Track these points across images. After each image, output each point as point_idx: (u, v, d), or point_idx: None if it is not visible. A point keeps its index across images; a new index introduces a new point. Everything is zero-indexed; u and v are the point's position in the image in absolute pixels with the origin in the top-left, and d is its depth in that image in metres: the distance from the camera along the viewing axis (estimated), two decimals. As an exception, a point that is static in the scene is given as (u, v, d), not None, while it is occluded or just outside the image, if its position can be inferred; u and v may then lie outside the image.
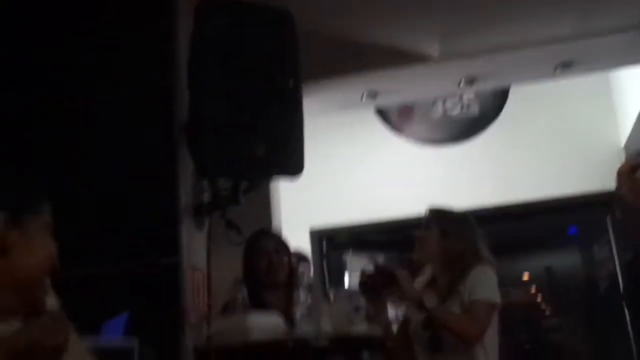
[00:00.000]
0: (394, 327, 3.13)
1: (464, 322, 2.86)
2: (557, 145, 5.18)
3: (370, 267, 2.91)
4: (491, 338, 2.90)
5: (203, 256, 3.33)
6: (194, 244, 3.23)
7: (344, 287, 4.46)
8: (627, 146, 4.83)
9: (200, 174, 3.26)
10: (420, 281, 3.07)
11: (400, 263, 3.16)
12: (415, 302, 2.87)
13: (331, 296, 2.79)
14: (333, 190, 5.34)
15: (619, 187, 1.34)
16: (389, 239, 5.16)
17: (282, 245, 3.13)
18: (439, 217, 3.07)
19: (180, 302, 2.91)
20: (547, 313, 7.50)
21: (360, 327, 2.65)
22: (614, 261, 5.07)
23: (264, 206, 3.85)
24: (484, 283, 2.88)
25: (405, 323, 3.05)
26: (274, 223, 3.94)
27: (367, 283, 2.91)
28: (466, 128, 5.47)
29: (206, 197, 3.34)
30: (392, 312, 3.44)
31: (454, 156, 5.38)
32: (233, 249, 3.23)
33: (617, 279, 5.00)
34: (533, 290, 7.68)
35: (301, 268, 2.71)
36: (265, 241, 3.13)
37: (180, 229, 3.02)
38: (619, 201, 1.49)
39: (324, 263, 5.21)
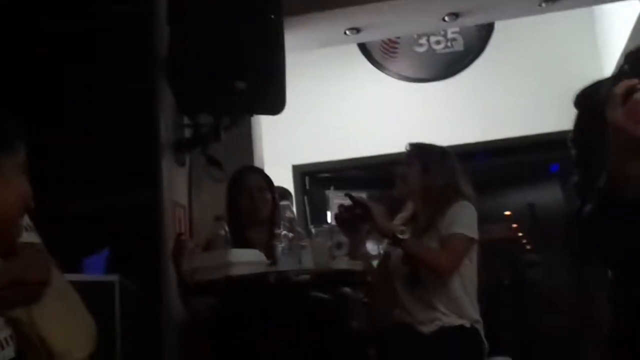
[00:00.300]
0: (375, 262, 3.18)
1: (437, 255, 2.89)
2: (540, 82, 5.19)
3: (347, 201, 2.94)
4: (470, 274, 2.95)
5: (184, 192, 3.36)
6: (175, 180, 3.24)
7: (326, 223, 4.50)
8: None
9: (180, 110, 3.25)
10: (401, 217, 3.11)
11: (383, 199, 3.18)
12: (388, 235, 2.90)
13: (313, 232, 2.82)
14: (316, 127, 5.34)
15: (611, 109, 1.29)
16: (372, 176, 5.19)
17: (265, 182, 3.14)
18: (420, 153, 3.09)
19: (161, 237, 2.94)
20: (528, 248, 7.62)
21: (341, 263, 2.69)
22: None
23: (246, 143, 3.85)
24: (462, 218, 2.91)
25: (385, 258, 3.10)
26: (256, 160, 3.95)
27: (344, 216, 2.94)
28: (451, 64, 5.45)
29: (187, 133, 3.34)
30: (375, 247, 3.50)
31: (437, 93, 5.38)
32: (215, 186, 3.25)
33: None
34: (514, 227, 7.77)
35: (283, 204, 2.72)
36: (248, 178, 3.14)
37: (160, 164, 3.03)
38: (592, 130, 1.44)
39: (306, 199, 5.25)
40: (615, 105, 1.28)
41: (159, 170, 3.03)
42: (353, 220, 2.93)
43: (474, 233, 2.91)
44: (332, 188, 3.10)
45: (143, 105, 3.04)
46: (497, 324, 6.50)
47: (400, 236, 2.83)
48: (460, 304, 2.88)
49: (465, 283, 2.92)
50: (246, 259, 2.49)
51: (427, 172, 3.03)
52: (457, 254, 2.90)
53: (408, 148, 3.14)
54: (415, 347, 2.75)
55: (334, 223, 2.99)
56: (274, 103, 3.14)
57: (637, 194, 1.29)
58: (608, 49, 4.94)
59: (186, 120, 3.32)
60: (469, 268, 2.95)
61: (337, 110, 5.40)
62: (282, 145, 5.05)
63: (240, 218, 3.03)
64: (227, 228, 2.70)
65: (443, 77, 5.44)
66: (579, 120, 1.58)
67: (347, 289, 2.91)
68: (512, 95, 5.23)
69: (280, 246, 2.50)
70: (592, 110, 1.47)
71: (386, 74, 5.51)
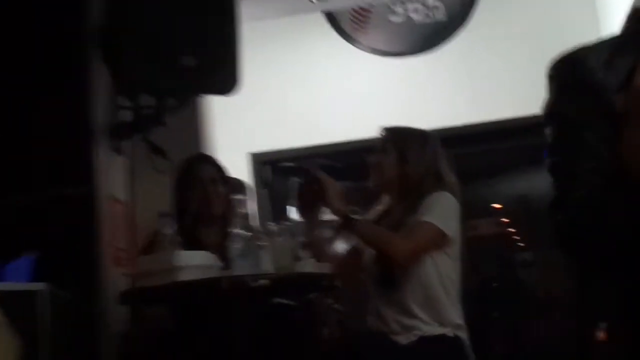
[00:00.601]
0: (330, 248, 3.17)
1: (394, 238, 2.89)
2: (534, 55, 5.20)
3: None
4: (449, 272, 2.96)
5: (123, 185, 3.32)
6: (112, 172, 3.21)
7: (289, 220, 4.49)
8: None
9: (118, 90, 3.21)
10: (375, 211, 3.11)
11: (356, 192, 3.18)
12: (340, 214, 2.90)
13: (273, 230, 2.81)
14: (277, 109, 5.31)
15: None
16: (343, 165, 5.18)
17: (220, 174, 3.13)
18: (396, 138, 3.09)
19: (96, 238, 2.90)
20: (520, 246, 7.69)
21: (307, 265, 2.68)
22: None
23: (194, 128, 3.82)
24: (436, 208, 2.91)
25: (354, 254, 3.09)
26: (207, 147, 3.93)
27: (300, 195, 2.94)
28: (430, 36, 5.46)
29: (126, 116, 3.30)
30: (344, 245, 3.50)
31: (415, 69, 5.37)
32: (159, 177, 3.22)
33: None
34: (504, 221, 7.84)
35: (238, 198, 2.71)
36: (200, 168, 3.12)
37: (93, 154, 2.99)
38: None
39: (266, 192, 5.22)
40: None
41: (93, 160, 2.99)
42: (310, 198, 2.94)
43: (447, 227, 2.90)
44: (297, 180, 3.09)
45: (73, 85, 2.99)
46: (485, 332, 6.57)
47: (352, 216, 2.83)
48: (439, 307, 2.89)
49: (444, 282, 2.93)
50: (196, 262, 2.47)
51: (404, 160, 3.03)
52: (419, 241, 2.89)
53: (382, 133, 3.14)
54: (391, 360, 2.73)
55: (298, 219, 2.99)
56: (227, 82, 3.12)
57: None
58: (608, 18, 4.98)
59: (125, 102, 3.28)
60: (448, 265, 2.95)
61: (302, 89, 5.37)
62: (237, 131, 5.02)
63: (190, 215, 3.01)
64: (174, 226, 2.67)
65: (422, 50, 5.44)
66: (559, 92, 1.53)
67: (313, 295, 2.91)
68: (502, 71, 5.25)
69: (235, 247, 2.49)
70: (578, 80, 1.44)
71: (357, 47, 5.50)
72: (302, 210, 2.97)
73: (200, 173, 3.09)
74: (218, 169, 3.16)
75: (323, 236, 3.05)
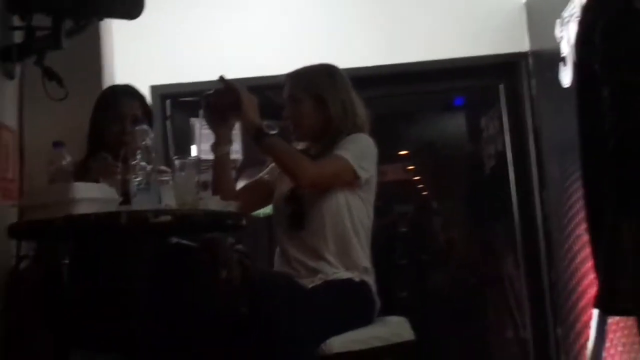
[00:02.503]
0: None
1: (304, 161, 2.89)
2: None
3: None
4: (361, 216, 2.97)
5: (13, 112, 3.19)
6: (1, 97, 3.07)
7: (191, 155, 4.44)
8: (528, 3, 4.95)
9: (8, 8, 3.05)
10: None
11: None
12: (252, 128, 2.86)
13: (176, 165, 2.74)
14: (182, 40, 5.15)
15: None
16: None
17: (143, 111, 3.07)
18: (308, 85, 3.04)
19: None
20: (425, 194, 7.83)
21: (211, 202, 2.63)
22: (503, 138, 5.28)
23: (93, 54, 3.68)
24: (351, 146, 2.91)
25: (258, 182, 3.08)
26: (106, 76, 3.80)
27: (212, 102, 2.90)
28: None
29: (17, 37, 3.15)
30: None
31: (325, 6, 5.28)
32: (53, 105, 3.10)
33: (505, 157, 5.24)
34: (410, 169, 7.95)
35: (140, 129, 2.61)
36: (123, 103, 3.06)
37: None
38: None
39: (168, 126, 5.12)
40: None
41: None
42: (222, 109, 2.90)
43: (360, 167, 2.90)
44: (200, 115, 3.03)
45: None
46: (391, 279, 6.68)
47: (266, 131, 2.81)
48: (349, 250, 2.90)
49: (355, 225, 2.93)
50: (92, 195, 2.37)
51: (322, 103, 3.00)
52: (328, 169, 2.91)
53: (289, 82, 3.08)
54: (293, 303, 2.70)
55: (202, 155, 2.94)
56: (130, 4, 3.01)
57: None
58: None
59: (17, 22, 3.12)
60: (360, 209, 2.96)
61: (209, 21, 5.23)
62: (139, 60, 4.86)
63: (103, 151, 2.94)
64: (68, 157, 2.56)
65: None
66: None
67: (216, 234, 2.86)
68: (418, 14, 5.20)
69: (136, 181, 2.41)
70: None
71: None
72: (212, 122, 2.93)
73: (122, 108, 3.03)
74: (142, 104, 3.11)
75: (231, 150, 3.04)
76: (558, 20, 4.16)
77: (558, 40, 4.18)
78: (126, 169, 2.48)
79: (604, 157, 2.42)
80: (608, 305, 2.46)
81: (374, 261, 3.03)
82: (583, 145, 2.60)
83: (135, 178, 2.41)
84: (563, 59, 4.10)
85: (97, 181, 2.52)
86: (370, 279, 2.96)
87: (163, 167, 2.63)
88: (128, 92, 3.23)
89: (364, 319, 2.91)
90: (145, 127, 2.63)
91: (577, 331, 4.20)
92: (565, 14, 4.03)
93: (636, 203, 2.33)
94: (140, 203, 2.38)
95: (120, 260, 2.60)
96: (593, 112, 2.50)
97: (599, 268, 2.51)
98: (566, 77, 4.04)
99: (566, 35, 4.04)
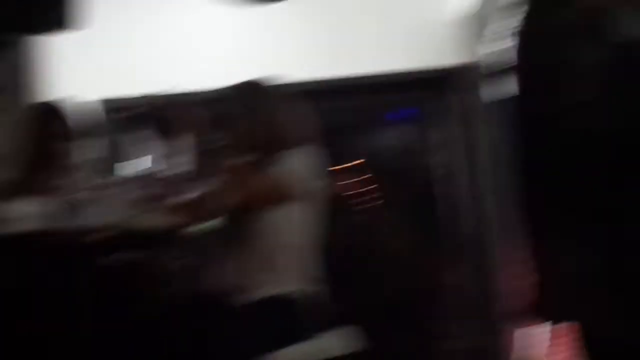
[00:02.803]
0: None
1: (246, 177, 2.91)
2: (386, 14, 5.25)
3: None
4: (301, 233, 2.98)
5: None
6: None
7: (136, 169, 4.42)
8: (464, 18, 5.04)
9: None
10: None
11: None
12: (201, 142, 2.88)
13: (119, 179, 2.74)
14: (125, 53, 5.14)
15: None
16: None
17: (65, 127, 3.06)
18: (246, 97, 3.07)
19: None
20: (369, 206, 7.85)
21: (154, 218, 2.63)
22: (444, 150, 5.39)
23: (22, 69, 3.61)
24: (292, 163, 2.95)
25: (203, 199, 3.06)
26: (47, 89, 3.76)
27: (160, 115, 2.90)
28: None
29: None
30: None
31: (267, 20, 5.31)
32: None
33: (449, 169, 5.35)
34: (356, 180, 7.97)
35: (81, 143, 2.61)
36: (52, 123, 3.03)
37: None
38: None
39: (113, 140, 5.08)
40: None
41: None
42: (171, 122, 2.89)
43: (300, 182, 2.94)
44: (147, 129, 3.03)
45: None
46: (336, 290, 6.68)
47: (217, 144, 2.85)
48: (285, 266, 2.91)
49: (293, 240, 2.95)
50: (28, 212, 2.38)
51: (260, 117, 3.03)
52: (264, 184, 2.91)
53: (229, 92, 3.12)
54: (220, 323, 2.72)
55: (146, 169, 2.93)
56: (54, 19, 2.97)
57: None
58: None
59: None
60: (297, 222, 2.96)
61: (155, 34, 5.23)
62: (86, 73, 4.82)
63: (29, 162, 2.92)
64: (4, 174, 2.56)
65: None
66: None
67: (150, 251, 2.85)
68: (347, 27, 5.24)
69: (73, 197, 2.41)
70: None
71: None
72: (160, 134, 2.92)
73: (51, 127, 3.01)
74: (63, 121, 3.08)
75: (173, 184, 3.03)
76: (487, 36, 4.28)
77: (487, 56, 4.30)
78: (59, 186, 2.48)
79: (543, 168, 2.47)
80: (549, 311, 2.51)
81: (319, 273, 3.04)
82: (521, 156, 2.65)
83: (73, 194, 2.42)
84: (493, 74, 4.21)
85: (30, 199, 2.51)
86: (305, 294, 2.94)
87: (100, 183, 2.63)
88: (55, 112, 3.20)
89: (295, 336, 2.87)
90: (81, 143, 2.63)
91: (519, 339, 4.25)
92: (495, 29, 4.14)
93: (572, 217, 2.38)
94: (79, 219, 2.39)
95: (51, 278, 2.57)
96: (531, 124, 2.55)
97: (540, 275, 2.55)
98: (495, 91, 4.15)
99: (495, 51, 4.15)
